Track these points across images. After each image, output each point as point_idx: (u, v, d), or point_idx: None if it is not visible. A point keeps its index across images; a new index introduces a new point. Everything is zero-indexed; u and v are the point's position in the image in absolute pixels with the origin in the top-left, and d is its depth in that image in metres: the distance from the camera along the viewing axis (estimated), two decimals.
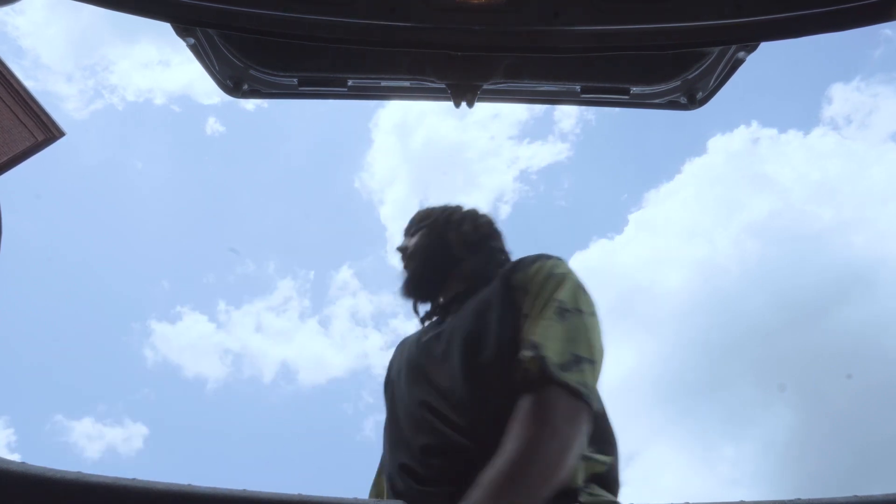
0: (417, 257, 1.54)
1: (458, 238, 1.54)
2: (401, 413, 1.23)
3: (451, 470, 1.05)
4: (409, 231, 1.64)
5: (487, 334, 1.16)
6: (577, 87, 1.49)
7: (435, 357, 1.24)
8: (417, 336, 1.40)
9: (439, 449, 1.08)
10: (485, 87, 1.41)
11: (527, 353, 1.04)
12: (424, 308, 1.51)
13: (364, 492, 1.40)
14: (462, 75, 1.39)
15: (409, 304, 1.53)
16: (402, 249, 1.60)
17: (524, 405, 0.98)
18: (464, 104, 1.45)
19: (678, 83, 1.49)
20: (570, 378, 1.00)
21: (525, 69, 1.42)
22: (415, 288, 1.51)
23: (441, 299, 1.47)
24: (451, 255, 1.51)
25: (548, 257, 1.28)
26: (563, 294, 1.17)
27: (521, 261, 1.30)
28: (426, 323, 1.46)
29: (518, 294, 1.20)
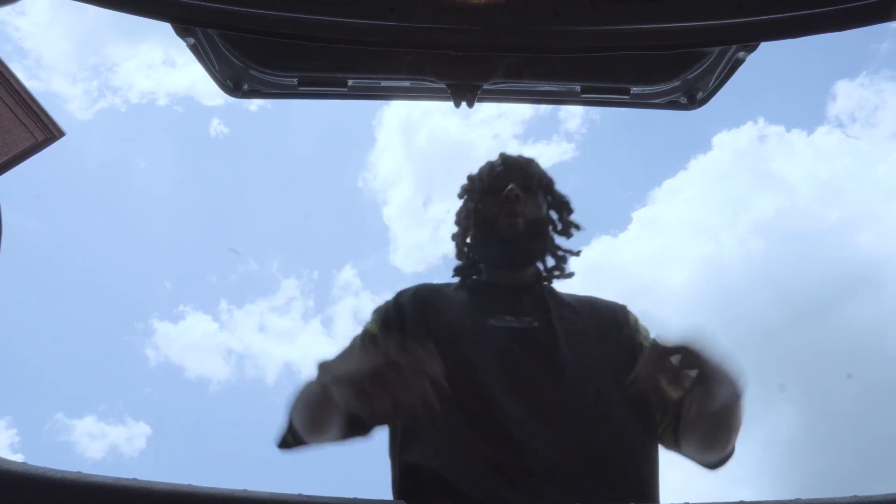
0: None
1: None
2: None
3: None
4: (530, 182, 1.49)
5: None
6: (578, 87, 1.50)
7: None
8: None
9: None
10: (485, 87, 1.42)
11: None
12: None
13: (364, 492, 1.40)
14: (462, 75, 1.39)
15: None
16: (516, 196, 1.42)
17: None
18: (464, 104, 1.45)
19: (678, 83, 1.49)
20: None
21: (525, 69, 1.42)
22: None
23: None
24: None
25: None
26: None
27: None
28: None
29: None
